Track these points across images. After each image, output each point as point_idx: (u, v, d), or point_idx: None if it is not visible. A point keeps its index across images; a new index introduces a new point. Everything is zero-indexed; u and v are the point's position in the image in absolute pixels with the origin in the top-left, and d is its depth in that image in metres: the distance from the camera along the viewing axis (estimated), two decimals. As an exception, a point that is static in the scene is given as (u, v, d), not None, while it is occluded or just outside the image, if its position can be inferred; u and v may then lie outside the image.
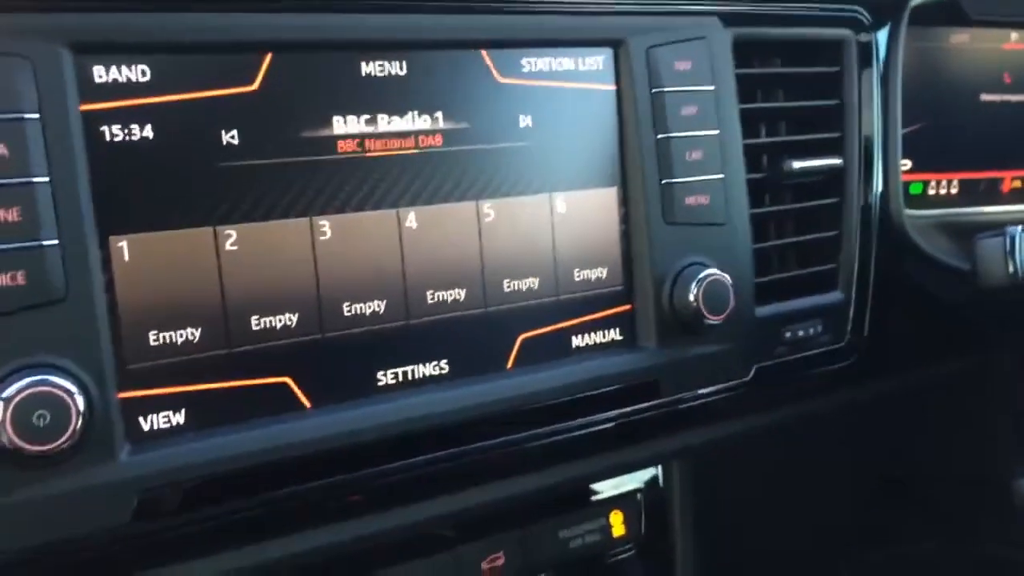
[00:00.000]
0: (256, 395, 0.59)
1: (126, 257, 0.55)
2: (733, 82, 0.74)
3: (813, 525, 1.02)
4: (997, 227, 1.05)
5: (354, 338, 0.62)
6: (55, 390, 0.50)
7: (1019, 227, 0.72)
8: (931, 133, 1.02)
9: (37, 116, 0.51)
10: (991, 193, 1.08)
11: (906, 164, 1.03)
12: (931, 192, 1.05)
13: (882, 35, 0.84)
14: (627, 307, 0.72)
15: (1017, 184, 1.11)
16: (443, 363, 0.65)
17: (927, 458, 1.03)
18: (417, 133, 0.63)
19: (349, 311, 0.61)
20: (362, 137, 0.61)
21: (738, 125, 0.74)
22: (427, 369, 0.64)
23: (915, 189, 1.04)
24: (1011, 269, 0.70)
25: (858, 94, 0.82)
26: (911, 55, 0.96)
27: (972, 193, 1.07)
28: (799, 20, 0.78)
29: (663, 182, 0.71)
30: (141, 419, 0.56)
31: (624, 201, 0.71)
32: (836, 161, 0.80)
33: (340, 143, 0.60)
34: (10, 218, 0.50)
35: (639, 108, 0.70)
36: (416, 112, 0.63)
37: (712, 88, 0.73)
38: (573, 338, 0.70)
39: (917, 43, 0.98)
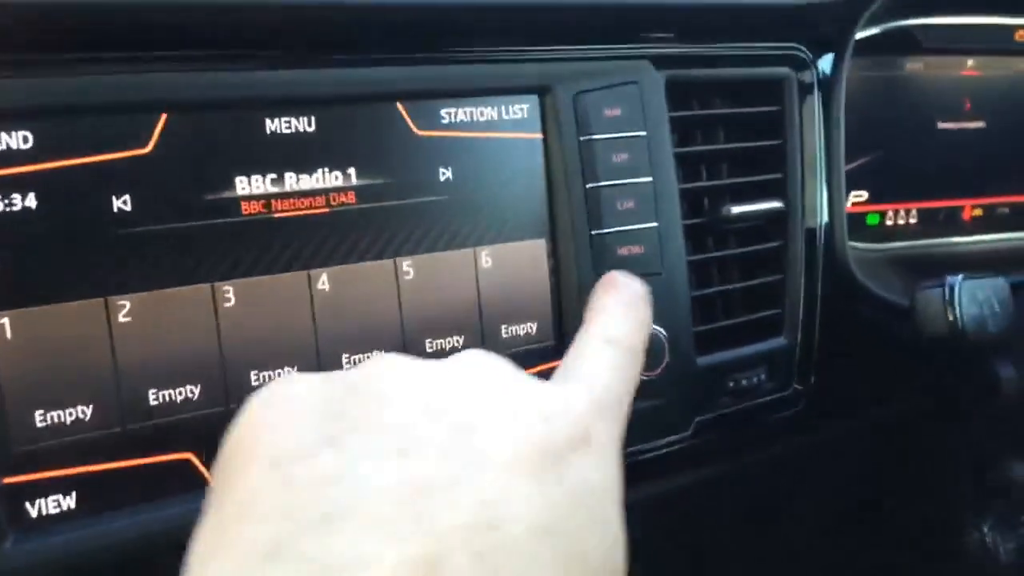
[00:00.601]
0: (155, 474, 0.56)
1: (8, 334, 0.52)
2: (667, 127, 0.72)
3: (771, 566, 1.00)
4: (957, 260, 1.04)
5: (264, 408, 0.59)
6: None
7: (959, 276, 0.70)
8: (887, 163, 1.00)
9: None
10: (952, 223, 1.06)
11: (861, 195, 1.01)
12: (888, 223, 1.03)
13: (824, 70, 0.82)
14: (558, 364, 0.69)
15: (978, 212, 1.09)
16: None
17: (883, 496, 1.01)
18: (328, 191, 0.60)
19: (257, 380, 0.58)
20: (268, 198, 0.58)
21: (673, 171, 0.72)
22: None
23: (872, 220, 1.02)
24: (951, 318, 0.68)
25: (800, 132, 0.80)
26: (865, 83, 0.94)
27: (932, 223, 1.05)
28: (736, 60, 0.76)
29: (593, 233, 0.68)
30: (28, 505, 0.53)
31: (553, 253, 0.69)
32: (777, 204, 0.78)
33: (244, 204, 0.58)
34: None
35: (567, 157, 0.67)
36: (327, 169, 0.60)
37: (644, 134, 0.70)
38: (502, 397, 0.67)
39: (870, 71, 0.96)
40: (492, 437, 0.33)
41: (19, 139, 0.51)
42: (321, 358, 0.60)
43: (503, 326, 0.67)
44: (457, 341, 0.65)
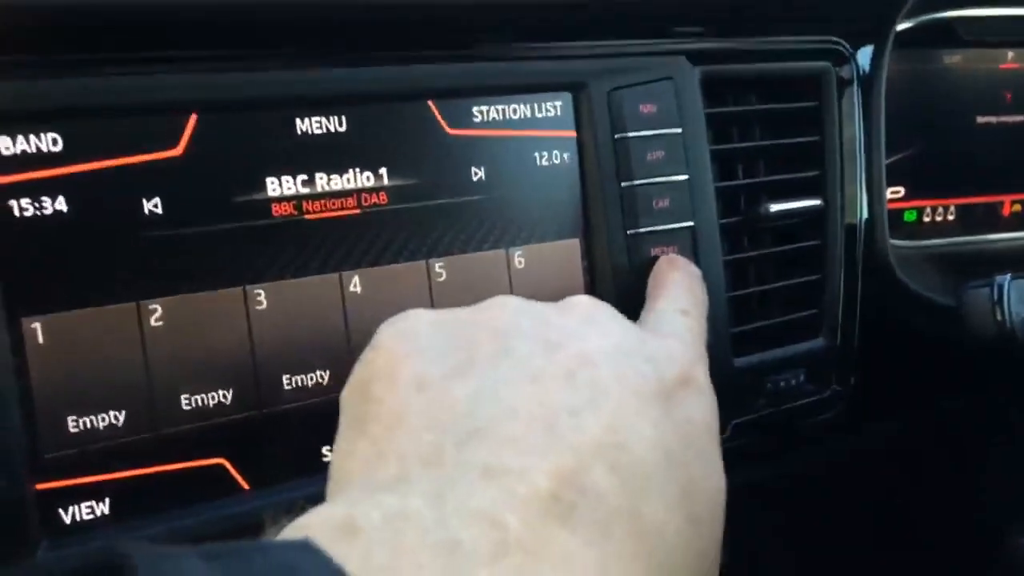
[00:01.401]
0: (188, 479, 0.55)
1: (40, 339, 0.51)
2: (703, 123, 0.70)
3: (809, 571, 0.98)
4: (997, 256, 1.01)
5: (296, 412, 0.58)
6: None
7: (1008, 275, 0.68)
8: (925, 158, 0.98)
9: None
10: (990, 218, 1.04)
11: (899, 191, 0.99)
12: (926, 219, 1.01)
13: (864, 64, 0.80)
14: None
15: (1017, 208, 1.07)
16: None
17: (923, 502, 0.99)
18: (360, 192, 0.59)
19: (290, 384, 0.58)
20: (299, 199, 0.57)
21: (709, 168, 0.70)
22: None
23: (909, 217, 1.00)
24: (999, 318, 0.66)
25: (839, 128, 0.78)
26: (902, 77, 0.92)
27: (970, 219, 1.02)
28: (773, 55, 0.74)
29: (629, 232, 0.67)
30: (61, 511, 0.52)
31: (588, 253, 0.67)
32: (816, 202, 0.76)
33: (275, 206, 0.57)
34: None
35: (601, 155, 0.66)
36: (358, 170, 0.59)
37: (680, 131, 0.69)
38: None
39: (908, 64, 0.94)
40: (611, 372, 0.37)
41: (48, 141, 0.51)
42: (354, 359, 0.59)
43: (537, 328, 0.66)
44: (490, 343, 0.64)
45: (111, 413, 0.53)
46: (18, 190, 0.50)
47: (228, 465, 0.56)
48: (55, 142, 0.51)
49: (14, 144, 0.50)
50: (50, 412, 0.51)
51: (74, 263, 0.52)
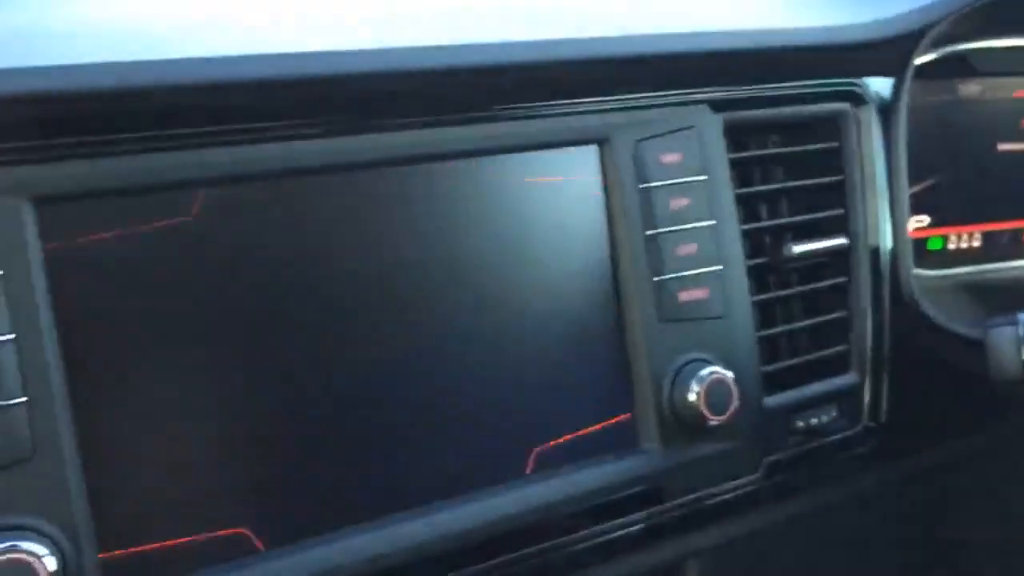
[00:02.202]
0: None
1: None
2: (727, 169, 0.72)
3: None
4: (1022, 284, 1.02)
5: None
6: (25, 556, 0.49)
7: (1032, 311, 0.69)
8: (948, 187, 0.99)
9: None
10: (1016, 245, 1.04)
11: (923, 220, 0.99)
12: (951, 247, 1.02)
13: (883, 101, 0.81)
14: (624, 417, 0.69)
15: (1041, 234, 1.07)
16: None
17: (953, 534, 0.99)
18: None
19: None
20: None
21: (734, 213, 0.72)
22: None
23: (934, 245, 1.01)
24: (1024, 357, 0.67)
25: (860, 167, 0.79)
26: (920, 108, 0.93)
27: (995, 246, 1.03)
28: (792, 99, 0.76)
29: (655, 279, 0.68)
30: None
31: (617, 301, 0.69)
32: (841, 241, 0.77)
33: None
34: (-27, 380, 0.49)
35: (627, 205, 0.68)
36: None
37: (704, 178, 0.70)
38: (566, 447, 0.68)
39: (925, 96, 0.95)
40: None
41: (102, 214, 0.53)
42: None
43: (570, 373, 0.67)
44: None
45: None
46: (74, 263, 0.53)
47: (249, 534, 0.58)
48: (108, 214, 0.54)
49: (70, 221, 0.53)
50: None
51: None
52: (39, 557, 0.49)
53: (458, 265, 0.63)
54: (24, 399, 0.50)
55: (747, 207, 0.75)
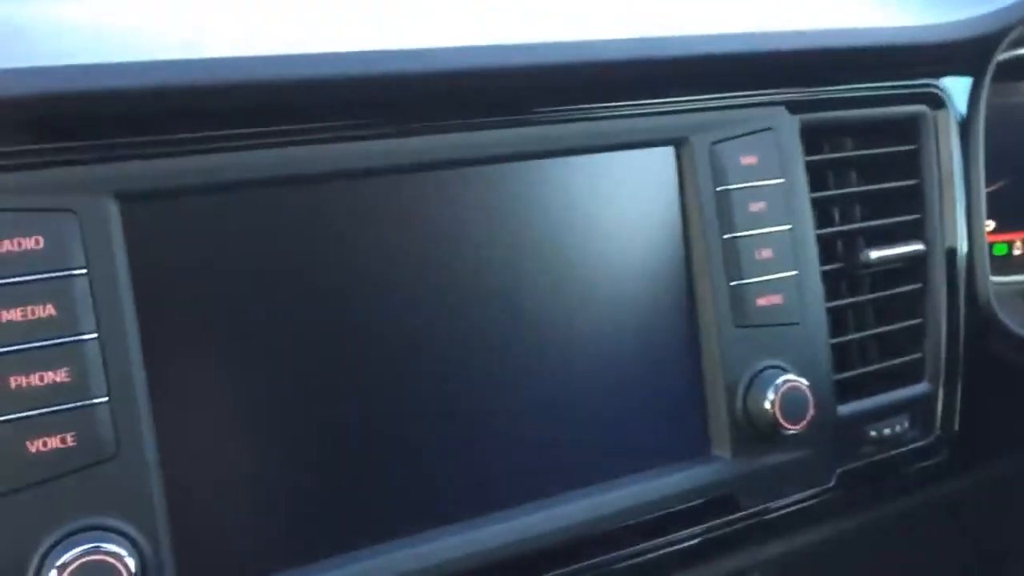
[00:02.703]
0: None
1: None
2: (803, 172, 0.70)
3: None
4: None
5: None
6: (107, 557, 0.48)
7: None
8: (1014, 190, 0.96)
9: (85, 271, 0.50)
10: (1082, 250, 1.02)
11: (990, 225, 0.97)
12: (1016, 252, 0.99)
13: (960, 103, 0.79)
14: (698, 418, 0.68)
15: (1108, 237, 1.04)
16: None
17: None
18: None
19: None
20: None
21: (811, 217, 0.70)
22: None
23: (1000, 250, 0.98)
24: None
25: (937, 170, 0.77)
26: (987, 110, 0.90)
27: (1061, 252, 1.00)
28: (870, 101, 0.74)
29: (732, 284, 0.67)
30: (199, 572, 0.54)
31: (691, 306, 0.68)
32: (918, 247, 0.75)
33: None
34: (59, 379, 0.49)
35: (704, 207, 0.66)
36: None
37: (781, 181, 0.69)
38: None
39: (993, 98, 0.93)
40: None
41: (185, 214, 0.53)
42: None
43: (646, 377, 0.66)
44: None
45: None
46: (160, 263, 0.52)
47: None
48: (191, 215, 0.53)
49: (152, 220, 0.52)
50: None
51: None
52: (121, 558, 0.49)
53: (528, 268, 0.62)
54: (107, 398, 0.50)
55: (819, 211, 0.73)
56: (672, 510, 0.66)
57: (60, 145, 0.50)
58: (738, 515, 0.69)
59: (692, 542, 0.68)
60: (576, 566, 0.63)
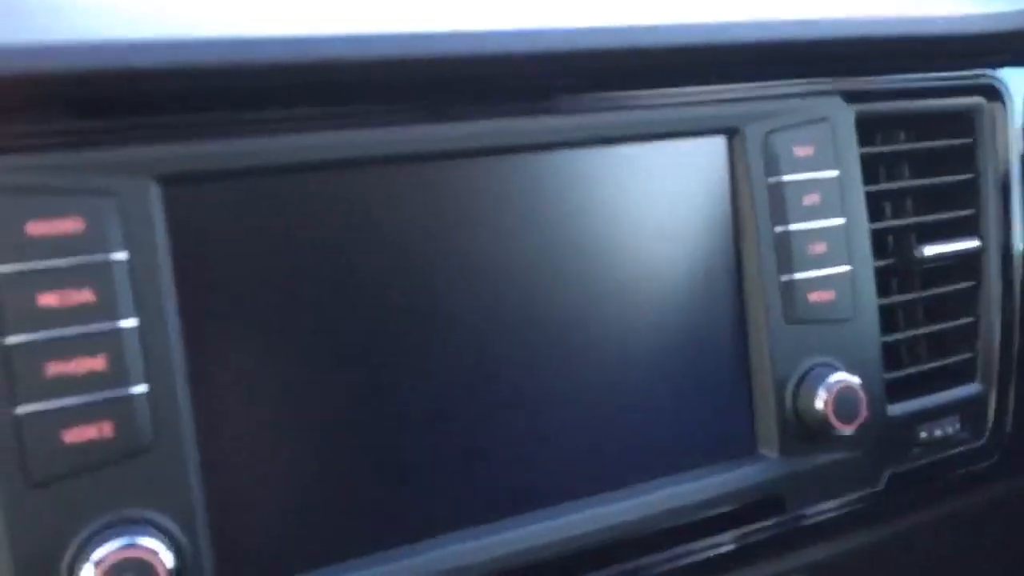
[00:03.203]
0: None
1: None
2: (858, 165, 0.68)
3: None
4: None
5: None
6: (143, 552, 0.47)
7: None
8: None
9: (125, 256, 0.48)
10: None
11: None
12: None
13: (1020, 95, 0.76)
14: (745, 416, 0.66)
15: None
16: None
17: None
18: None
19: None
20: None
21: (864, 211, 0.68)
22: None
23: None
24: None
25: (994, 164, 0.75)
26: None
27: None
28: (926, 92, 0.72)
29: (783, 279, 0.65)
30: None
31: (741, 301, 0.65)
32: (973, 243, 0.73)
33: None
34: (96, 367, 0.47)
35: (756, 199, 0.64)
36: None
37: (836, 173, 0.66)
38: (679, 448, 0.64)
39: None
40: None
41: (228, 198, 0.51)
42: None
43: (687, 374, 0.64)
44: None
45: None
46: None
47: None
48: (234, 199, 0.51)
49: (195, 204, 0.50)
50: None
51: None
52: (157, 554, 0.47)
53: (572, 261, 0.60)
54: (146, 388, 0.48)
55: (871, 205, 0.71)
56: (716, 512, 0.64)
57: (101, 124, 0.49)
58: (784, 517, 0.67)
59: (735, 545, 0.65)
60: (616, 568, 0.62)
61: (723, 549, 0.65)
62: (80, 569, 0.46)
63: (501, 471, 0.59)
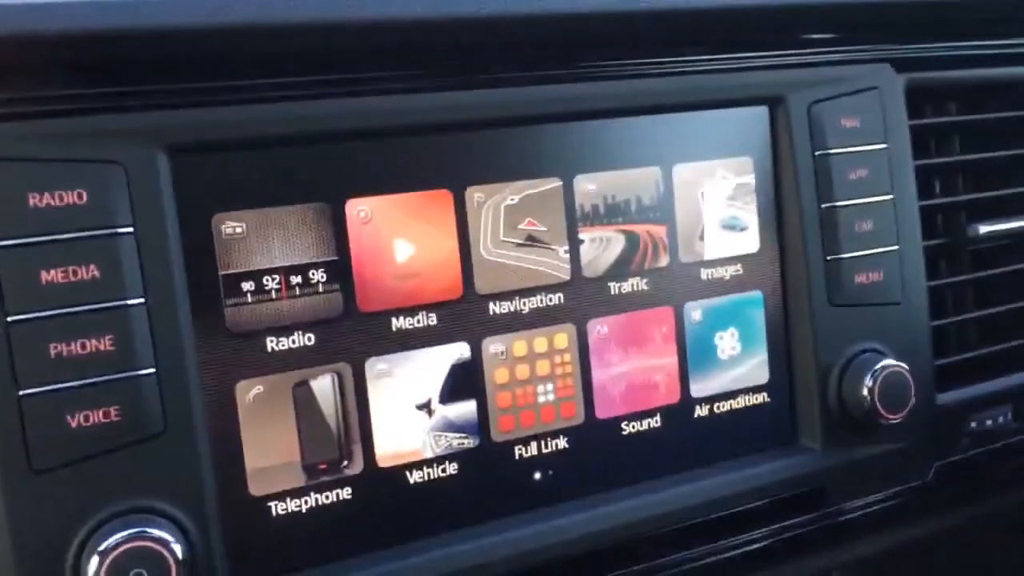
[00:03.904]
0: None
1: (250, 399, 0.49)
2: (907, 137, 0.64)
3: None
4: None
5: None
6: (153, 544, 0.44)
7: None
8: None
9: (131, 230, 0.45)
10: None
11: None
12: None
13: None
14: (785, 404, 0.63)
15: None
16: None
17: None
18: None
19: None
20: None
21: (913, 187, 0.64)
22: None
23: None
24: None
25: (1050, 139, 0.70)
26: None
27: None
28: (981, 61, 0.67)
29: (829, 258, 0.61)
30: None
31: (782, 283, 0.62)
32: (1029, 222, 0.69)
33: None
34: (102, 348, 0.45)
35: (800, 174, 0.60)
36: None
37: (885, 146, 0.63)
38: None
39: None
40: None
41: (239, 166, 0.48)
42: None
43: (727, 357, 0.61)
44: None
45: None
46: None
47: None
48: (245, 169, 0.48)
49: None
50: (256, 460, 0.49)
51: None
52: (167, 544, 0.44)
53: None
54: (154, 370, 0.46)
55: (919, 182, 0.67)
56: (755, 505, 0.60)
57: (106, 91, 0.46)
58: (826, 511, 0.63)
59: (774, 540, 0.62)
60: (651, 563, 0.59)
61: (761, 544, 0.62)
62: (87, 561, 0.44)
63: (539, 462, 0.56)
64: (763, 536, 0.62)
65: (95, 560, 0.43)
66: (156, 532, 0.44)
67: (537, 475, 0.56)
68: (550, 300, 0.56)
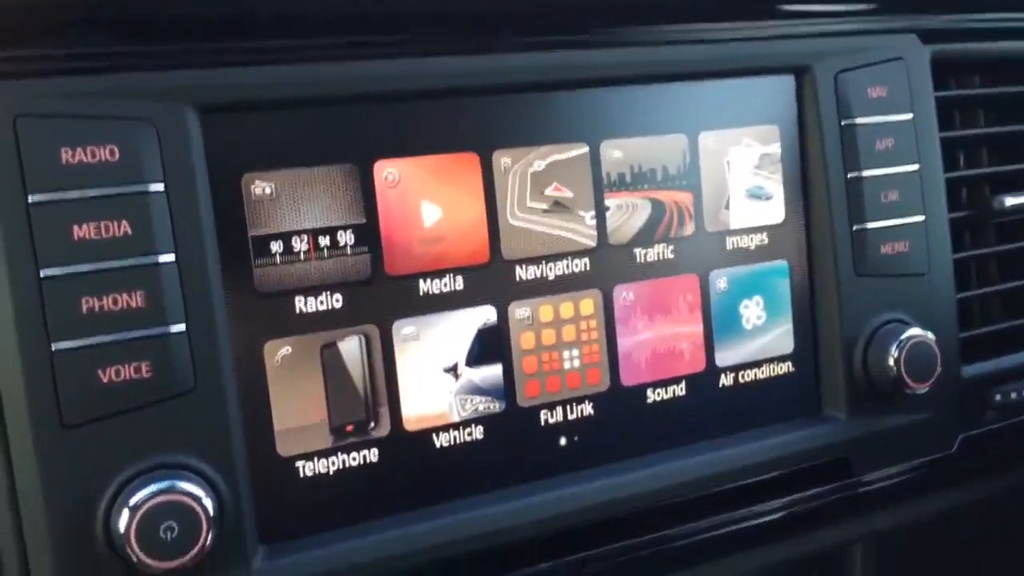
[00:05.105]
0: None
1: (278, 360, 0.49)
2: (933, 108, 0.64)
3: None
4: None
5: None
6: (184, 498, 0.44)
7: None
8: None
9: (162, 187, 0.46)
10: None
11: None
12: None
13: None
14: (810, 373, 0.63)
15: None
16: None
17: None
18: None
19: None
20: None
21: (939, 158, 0.64)
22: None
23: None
24: None
25: (1075, 112, 0.70)
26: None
27: None
28: (1008, 33, 0.67)
29: (855, 228, 0.61)
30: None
31: (808, 250, 0.62)
32: (1054, 195, 0.68)
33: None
34: (133, 304, 0.45)
35: (826, 143, 0.60)
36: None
37: (910, 116, 0.62)
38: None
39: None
40: None
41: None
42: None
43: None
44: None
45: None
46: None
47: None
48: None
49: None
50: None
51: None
52: (199, 499, 0.45)
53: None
54: (184, 327, 0.46)
55: (944, 154, 0.67)
56: (778, 474, 0.60)
57: (139, 48, 0.46)
58: (849, 481, 0.63)
59: (797, 509, 0.62)
60: (674, 531, 0.58)
61: (784, 513, 0.62)
62: (118, 515, 0.44)
63: (563, 429, 0.56)
64: (786, 505, 0.62)
65: (126, 514, 0.43)
66: (188, 487, 0.45)
67: (562, 441, 0.56)
68: (576, 266, 0.56)
